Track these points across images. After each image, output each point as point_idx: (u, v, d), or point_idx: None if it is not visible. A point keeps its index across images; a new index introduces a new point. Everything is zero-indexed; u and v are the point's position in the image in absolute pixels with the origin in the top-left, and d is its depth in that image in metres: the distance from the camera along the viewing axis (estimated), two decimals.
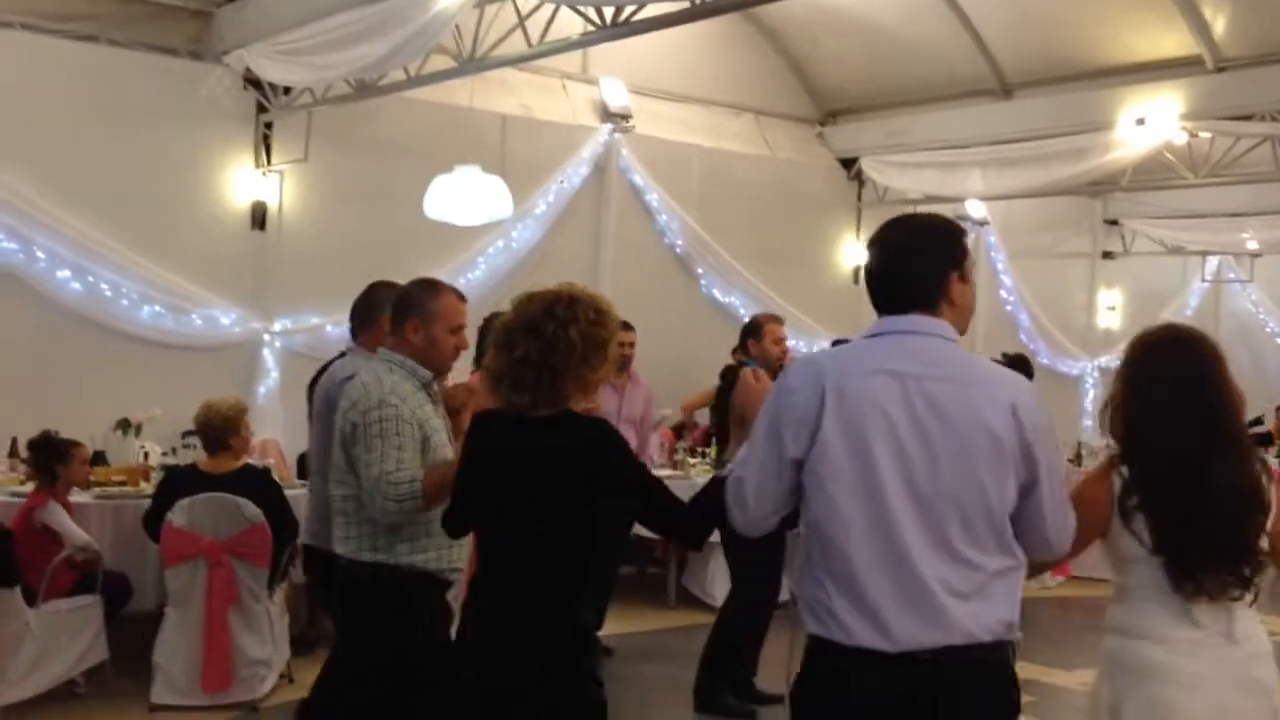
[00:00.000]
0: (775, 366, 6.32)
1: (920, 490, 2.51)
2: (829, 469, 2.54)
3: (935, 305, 2.62)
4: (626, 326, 7.32)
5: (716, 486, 2.89)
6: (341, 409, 3.68)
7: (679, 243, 10.41)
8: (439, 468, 3.54)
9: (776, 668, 6.64)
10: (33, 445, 6.08)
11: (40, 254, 7.57)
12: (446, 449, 3.68)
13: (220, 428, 5.87)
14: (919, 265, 2.64)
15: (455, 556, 3.67)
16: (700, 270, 10.50)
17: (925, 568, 2.49)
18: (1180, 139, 9.10)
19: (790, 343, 10.76)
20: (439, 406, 3.83)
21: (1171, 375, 3.01)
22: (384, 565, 3.59)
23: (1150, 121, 8.84)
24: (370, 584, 3.63)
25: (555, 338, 3.01)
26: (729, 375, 6.49)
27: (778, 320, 6.53)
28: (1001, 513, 2.54)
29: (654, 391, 7.81)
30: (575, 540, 3.02)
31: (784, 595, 8.22)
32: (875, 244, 2.73)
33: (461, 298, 3.84)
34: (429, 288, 3.81)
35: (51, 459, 5.92)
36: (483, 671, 3.01)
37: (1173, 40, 8.84)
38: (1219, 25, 8.58)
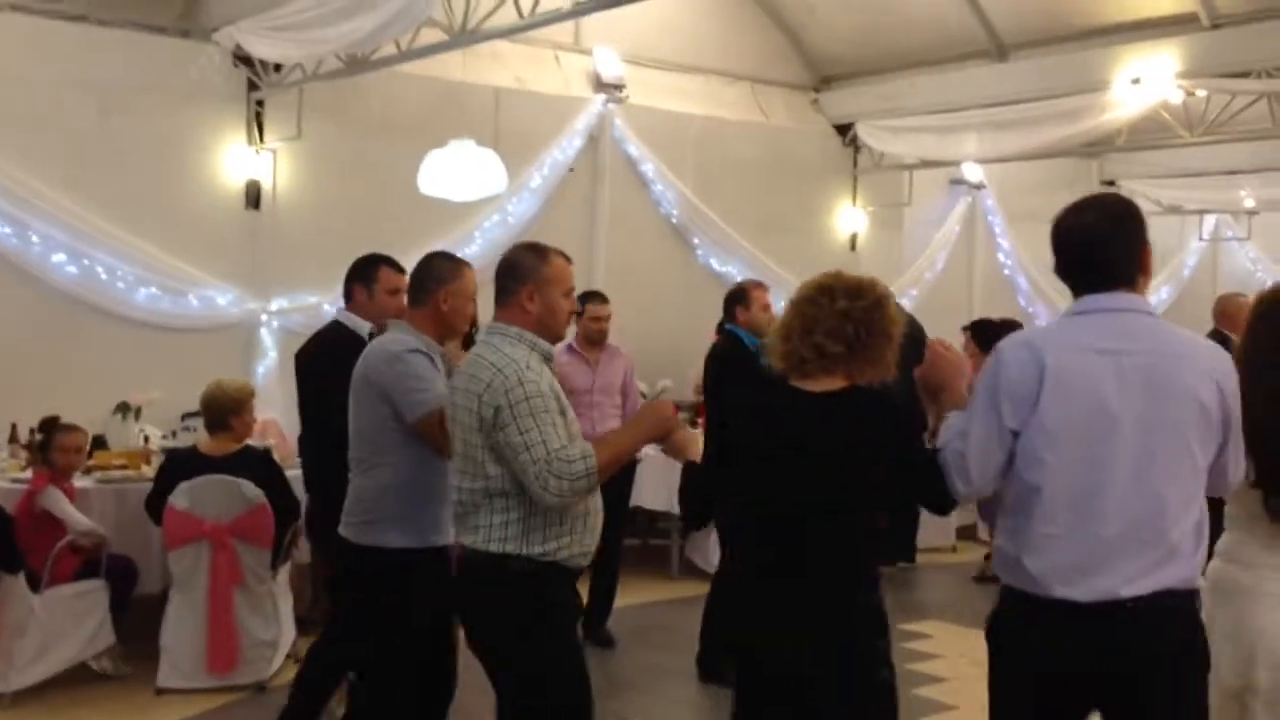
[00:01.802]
0: (764, 333, 6.22)
1: (1134, 458, 2.74)
2: (1046, 439, 2.76)
3: (1135, 281, 2.86)
4: (599, 299, 7.22)
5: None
6: (472, 393, 3.30)
7: (675, 212, 10.38)
8: (609, 443, 3.36)
9: None
10: (39, 427, 6.15)
11: (35, 238, 7.53)
12: (577, 423, 3.46)
13: (225, 407, 5.87)
14: (1122, 244, 2.85)
15: (589, 543, 3.44)
16: (696, 240, 10.47)
17: (1131, 529, 2.74)
18: (1176, 97, 9.05)
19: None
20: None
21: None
22: (513, 556, 3.31)
23: (1146, 80, 8.78)
24: (497, 576, 3.34)
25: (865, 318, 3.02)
26: (722, 360, 6.27)
27: (762, 286, 6.42)
28: (1204, 475, 2.82)
29: (651, 362, 7.79)
30: (864, 518, 3.03)
31: None
32: (1075, 227, 2.90)
33: (567, 259, 3.56)
34: (536, 252, 3.50)
35: (45, 443, 5.95)
36: (777, 658, 2.95)
37: None
38: None
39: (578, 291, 4.16)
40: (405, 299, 4.48)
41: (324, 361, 4.72)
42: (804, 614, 2.93)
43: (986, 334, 9.45)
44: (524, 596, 3.31)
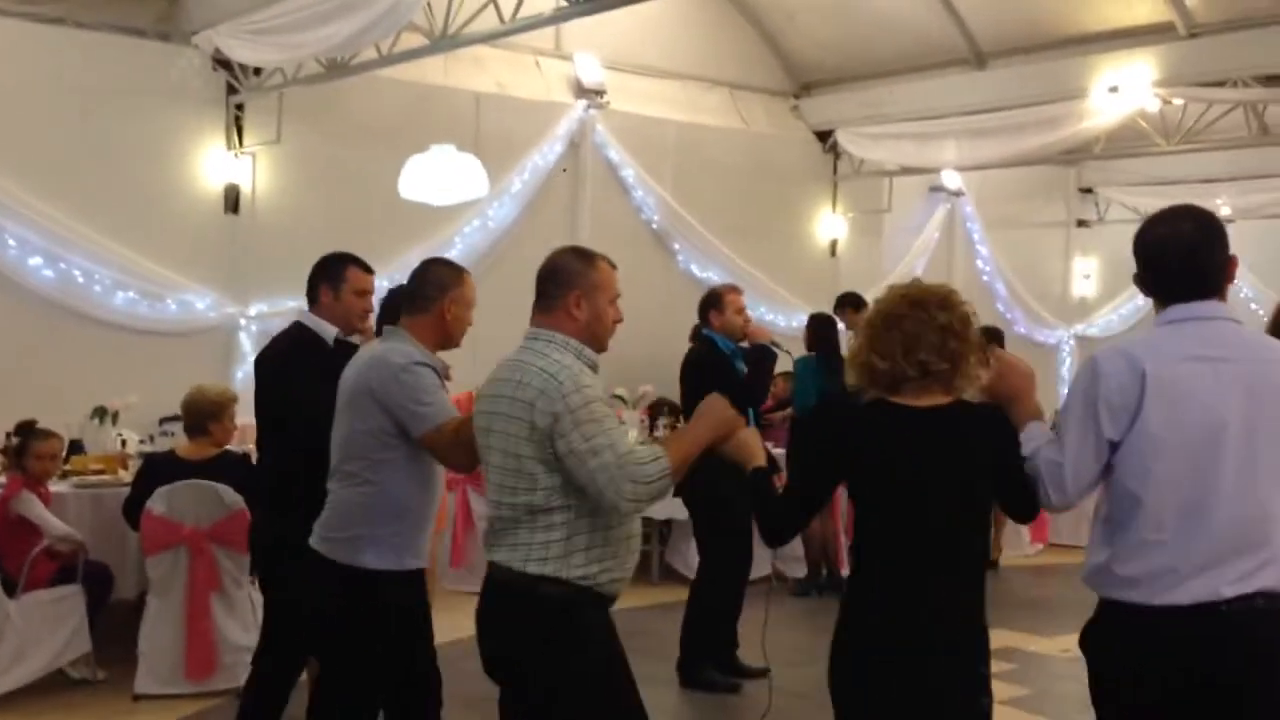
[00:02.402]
0: (740, 337, 6.23)
1: (1239, 464, 2.78)
2: (1152, 449, 2.79)
3: (1222, 290, 2.92)
4: None
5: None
6: (520, 401, 3.08)
7: (655, 218, 10.40)
8: (675, 444, 3.19)
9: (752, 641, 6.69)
10: (15, 430, 6.14)
11: (11, 241, 7.49)
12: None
13: (205, 412, 5.83)
14: (1212, 255, 2.90)
15: (629, 567, 3.25)
16: (677, 245, 10.49)
17: (1236, 534, 2.78)
18: (1153, 106, 9.13)
19: (768, 316, 10.92)
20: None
21: None
22: (549, 579, 3.08)
23: (1123, 89, 8.85)
24: (529, 599, 3.11)
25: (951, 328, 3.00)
26: (698, 366, 6.21)
27: (736, 290, 6.34)
28: None
29: (631, 367, 7.79)
30: (984, 535, 3.06)
31: (765, 569, 8.27)
32: (1171, 237, 2.91)
33: (613, 265, 3.40)
34: (582, 256, 3.34)
35: (21, 448, 5.92)
36: (903, 681, 2.91)
37: (1145, 7, 8.85)
38: None
39: None
40: (372, 301, 4.51)
41: (284, 365, 4.45)
42: (941, 635, 2.94)
43: (990, 340, 9.56)
44: (557, 622, 3.11)
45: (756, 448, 3.24)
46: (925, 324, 2.95)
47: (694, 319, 6.34)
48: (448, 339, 3.84)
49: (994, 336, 9.67)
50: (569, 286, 3.23)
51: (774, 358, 6.10)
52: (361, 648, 3.76)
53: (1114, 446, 2.83)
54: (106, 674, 5.92)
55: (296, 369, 4.30)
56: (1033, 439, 2.98)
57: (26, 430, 6.06)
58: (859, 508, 3.09)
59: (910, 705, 2.90)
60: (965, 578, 2.99)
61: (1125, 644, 2.85)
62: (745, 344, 6.13)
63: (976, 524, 3.01)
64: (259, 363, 4.73)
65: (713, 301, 6.22)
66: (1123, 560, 2.83)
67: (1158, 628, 2.78)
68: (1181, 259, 2.90)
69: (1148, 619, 2.79)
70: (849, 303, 9.23)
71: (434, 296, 3.78)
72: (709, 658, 6.13)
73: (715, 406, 3.27)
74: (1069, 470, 2.87)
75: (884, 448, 2.97)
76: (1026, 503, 3.01)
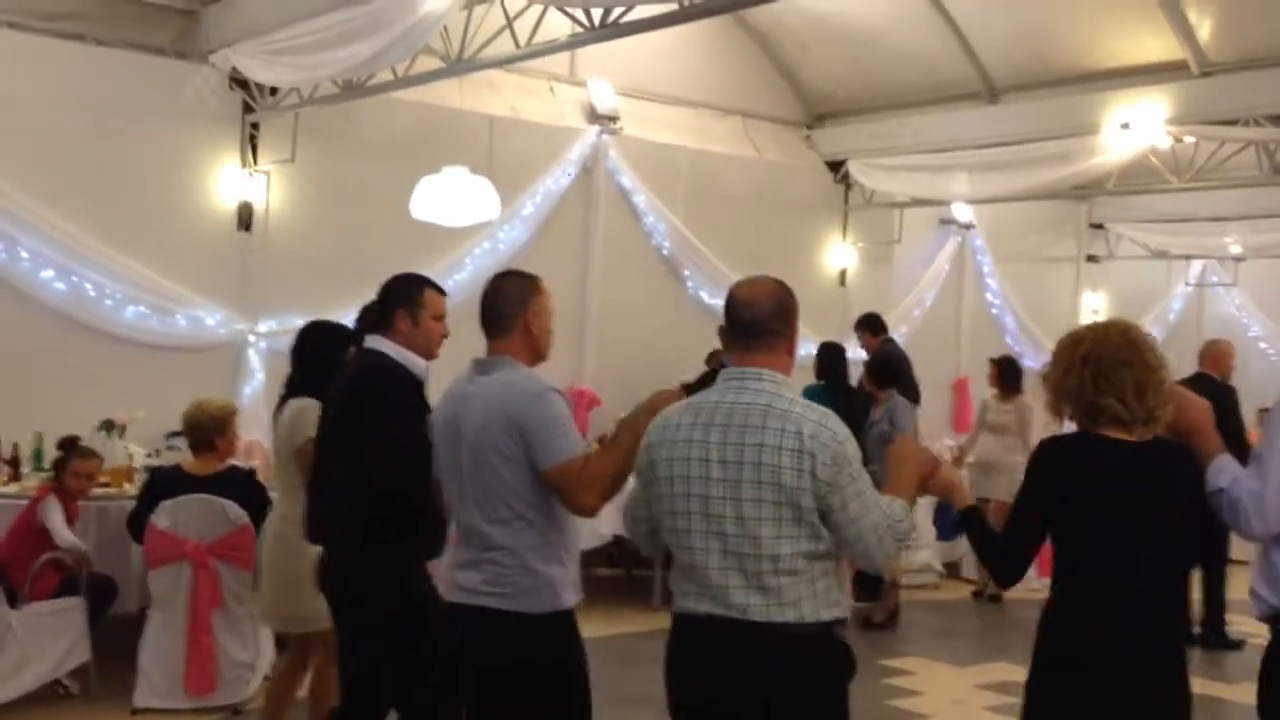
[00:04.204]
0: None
1: None
2: None
3: None
4: None
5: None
6: (783, 448, 2.88)
7: (666, 244, 10.42)
8: (900, 493, 3.11)
9: None
10: (60, 444, 6.34)
11: (24, 254, 7.53)
12: None
13: (208, 427, 5.85)
14: None
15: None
16: (687, 272, 10.50)
17: None
18: (1165, 143, 9.15)
19: None
20: None
21: None
22: (840, 622, 3.01)
23: (1135, 126, 8.88)
24: (825, 641, 2.97)
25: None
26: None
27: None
28: None
29: (639, 393, 7.73)
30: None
31: None
32: None
33: None
34: (792, 295, 3.19)
35: (62, 460, 6.08)
36: (1116, 709, 3.04)
37: (1158, 45, 8.88)
38: (1204, 30, 8.62)
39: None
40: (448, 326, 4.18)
41: (382, 399, 3.93)
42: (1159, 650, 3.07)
43: (1014, 371, 9.60)
44: (846, 663, 3.03)
45: (960, 485, 3.29)
46: (1152, 371, 3.08)
47: (702, 344, 6.36)
48: (538, 355, 3.59)
49: (1009, 366, 9.70)
50: (793, 319, 3.12)
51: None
52: (561, 696, 3.46)
53: None
54: (105, 688, 5.92)
55: (395, 406, 3.88)
56: (1224, 470, 3.11)
57: (70, 445, 6.19)
58: (1065, 540, 3.12)
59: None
60: (1173, 606, 3.15)
61: None
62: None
63: (1181, 555, 3.15)
64: (339, 398, 4.12)
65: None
66: None
67: None
68: None
69: None
70: (868, 326, 9.21)
71: (514, 313, 3.53)
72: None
73: (913, 448, 3.26)
74: (1270, 500, 3.02)
75: (1107, 481, 3.06)
76: (1209, 535, 3.15)
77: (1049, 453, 3.11)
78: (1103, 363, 3.07)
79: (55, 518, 5.81)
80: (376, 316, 4.16)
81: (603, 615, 7.00)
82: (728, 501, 2.90)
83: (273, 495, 5.41)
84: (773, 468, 2.87)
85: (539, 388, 3.42)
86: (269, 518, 5.28)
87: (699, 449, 2.95)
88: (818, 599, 2.93)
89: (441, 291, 4.18)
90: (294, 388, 4.94)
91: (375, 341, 4.07)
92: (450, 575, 3.55)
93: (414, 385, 4.01)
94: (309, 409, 4.56)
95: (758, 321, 3.06)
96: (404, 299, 4.09)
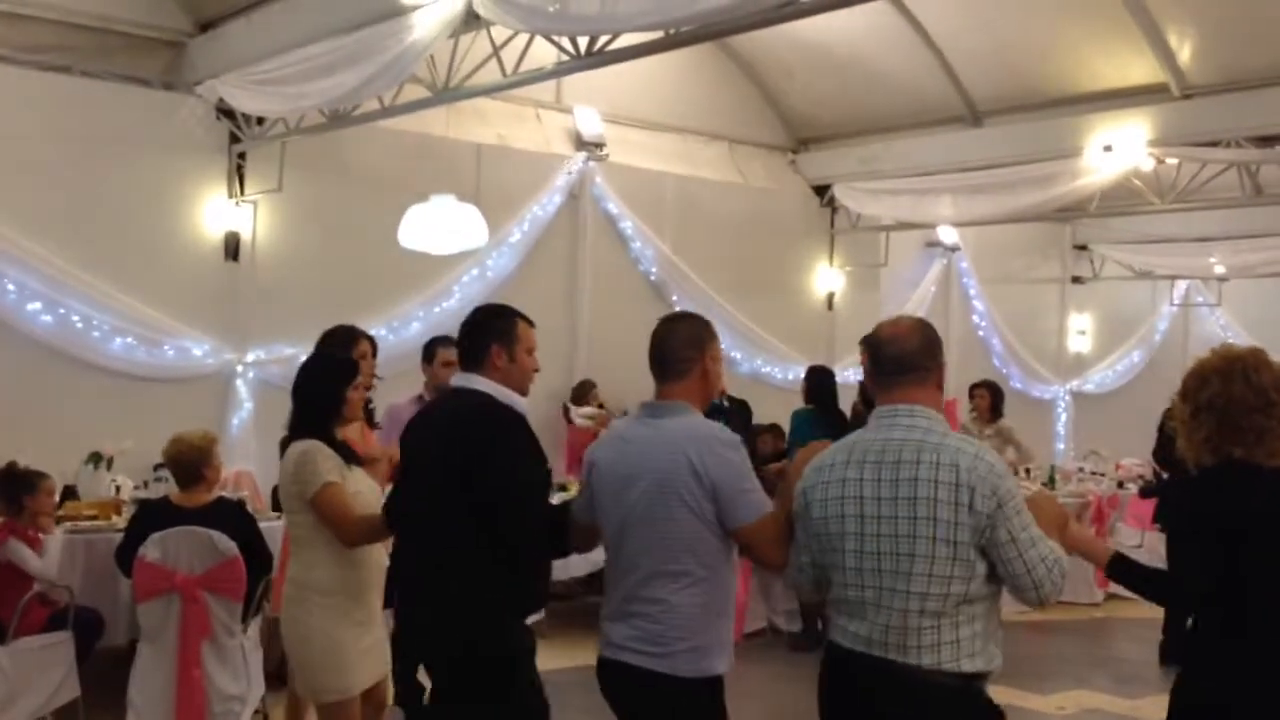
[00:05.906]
0: (721, 391, 6.21)
1: None
2: None
3: None
4: (448, 343, 5.58)
5: None
6: (941, 483, 2.85)
7: (653, 270, 10.44)
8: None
9: (754, 696, 6.63)
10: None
11: (11, 286, 7.51)
12: None
13: (192, 460, 5.79)
14: None
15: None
16: (675, 297, 10.52)
17: None
18: (1148, 165, 9.21)
19: (765, 369, 10.92)
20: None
21: None
22: (981, 675, 2.91)
23: (1118, 148, 8.94)
24: (966, 695, 2.89)
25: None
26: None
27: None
28: None
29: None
30: None
31: (761, 623, 8.21)
32: None
33: None
34: (932, 326, 3.17)
35: (18, 490, 5.85)
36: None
37: (1140, 68, 8.95)
38: (1185, 53, 8.69)
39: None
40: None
41: (489, 443, 3.52)
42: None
43: (1001, 397, 9.56)
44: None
45: (1092, 539, 3.36)
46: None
47: None
48: (709, 400, 3.50)
49: (993, 389, 9.69)
50: (939, 355, 3.12)
51: (721, 413, 6.08)
52: None
53: None
54: None
55: (503, 451, 3.51)
56: None
57: (21, 473, 5.98)
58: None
59: None
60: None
61: None
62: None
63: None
64: (432, 433, 3.72)
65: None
66: None
67: None
68: None
69: None
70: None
71: (692, 357, 3.47)
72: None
73: (1050, 502, 3.23)
74: None
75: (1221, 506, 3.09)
76: None
77: (1214, 485, 3.17)
78: (1252, 406, 3.14)
79: (23, 555, 5.71)
80: (464, 352, 3.73)
81: (586, 640, 6.94)
82: (881, 539, 2.91)
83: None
84: (928, 501, 2.85)
85: (731, 436, 3.33)
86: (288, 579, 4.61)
87: (853, 486, 2.97)
88: (959, 646, 2.86)
89: (530, 323, 3.82)
90: (296, 429, 4.46)
91: (469, 380, 3.66)
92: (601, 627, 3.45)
93: (527, 426, 3.63)
94: (313, 452, 4.26)
95: (904, 357, 3.06)
96: (497, 333, 3.70)
